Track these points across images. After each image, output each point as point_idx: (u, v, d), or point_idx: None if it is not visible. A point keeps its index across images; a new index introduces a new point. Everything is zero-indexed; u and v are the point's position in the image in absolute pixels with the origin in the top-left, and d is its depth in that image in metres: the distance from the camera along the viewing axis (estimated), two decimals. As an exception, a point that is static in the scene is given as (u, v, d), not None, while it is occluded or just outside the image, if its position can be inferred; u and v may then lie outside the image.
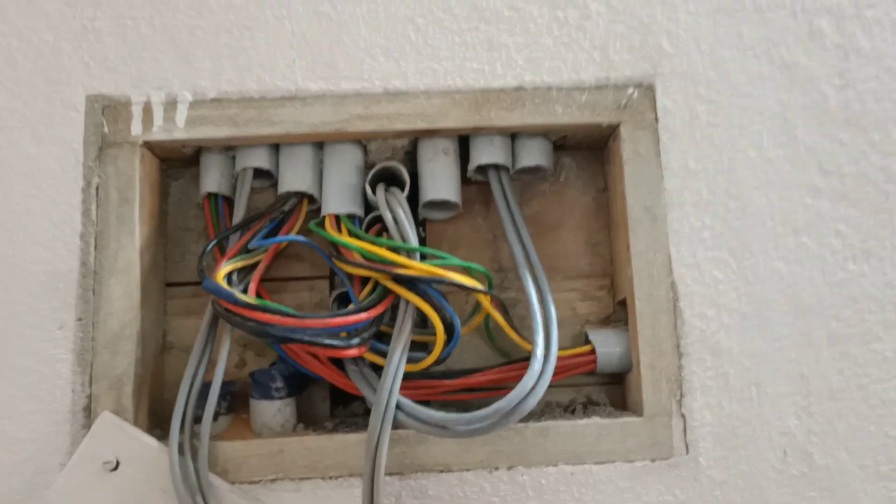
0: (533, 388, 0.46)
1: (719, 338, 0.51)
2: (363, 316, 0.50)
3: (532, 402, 0.46)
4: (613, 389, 0.57)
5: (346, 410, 0.57)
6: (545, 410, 0.55)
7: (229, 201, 0.57)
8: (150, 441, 0.49)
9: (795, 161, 0.53)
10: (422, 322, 0.55)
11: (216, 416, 0.52)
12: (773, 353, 0.51)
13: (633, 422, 0.50)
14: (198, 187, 0.57)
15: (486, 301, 0.52)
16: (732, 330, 0.51)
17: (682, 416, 0.50)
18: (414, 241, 0.52)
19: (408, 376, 0.51)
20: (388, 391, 0.48)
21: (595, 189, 0.59)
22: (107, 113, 0.53)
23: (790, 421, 0.51)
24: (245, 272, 0.53)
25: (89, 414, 0.50)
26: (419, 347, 0.55)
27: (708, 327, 0.51)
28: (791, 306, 0.52)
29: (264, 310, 0.47)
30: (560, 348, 0.54)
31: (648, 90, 0.54)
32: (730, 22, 0.54)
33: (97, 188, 0.52)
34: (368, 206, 0.57)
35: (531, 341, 0.54)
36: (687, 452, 0.50)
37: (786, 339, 0.51)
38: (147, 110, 0.53)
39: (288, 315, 0.47)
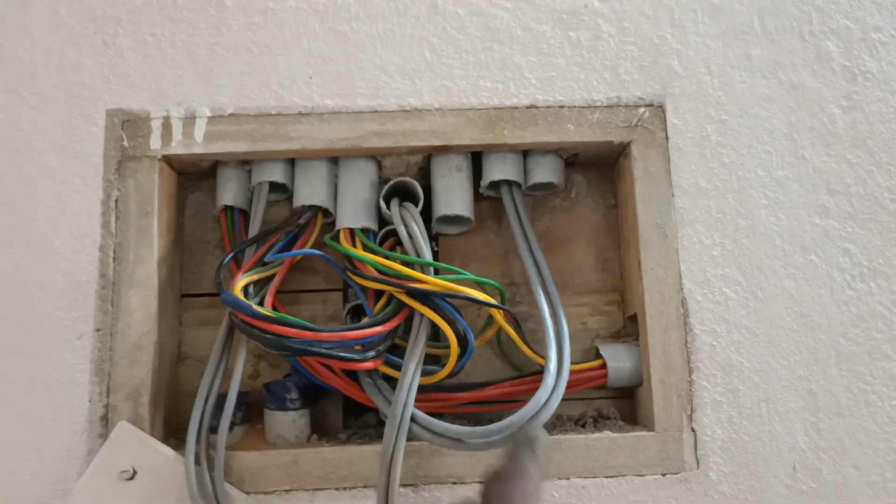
0: (546, 402, 0.47)
1: (729, 354, 0.52)
2: (378, 329, 0.51)
3: (545, 416, 0.46)
4: (623, 403, 0.57)
5: (360, 422, 0.57)
6: (556, 423, 0.55)
7: (245, 214, 0.58)
8: (167, 451, 0.49)
9: (803, 181, 0.54)
10: (434, 335, 0.56)
11: (231, 427, 0.53)
12: (782, 369, 0.52)
13: (645, 436, 0.51)
14: (214, 200, 0.58)
15: (498, 315, 0.53)
16: (742, 346, 0.52)
17: (693, 430, 0.51)
18: (428, 255, 0.53)
19: (421, 389, 0.52)
20: (403, 404, 0.49)
21: (605, 206, 0.60)
22: (126, 127, 0.54)
23: (799, 437, 0.51)
24: (261, 284, 0.54)
25: (106, 423, 0.50)
26: (431, 360, 0.55)
27: (718, 343, 0.52)
28: (800, 324, 0.52)
29: (282, 323, 0.48)
30: (571, 362, 0.55)
31: (659, 110, 0.55)
32: (738, 44, 0.55)
33: (116, 201, 0.53)
34: (382, 221, 0.57)
35: (543, 355, 0.55)
36: (698, 467, 0.50)
37: (795, 356, 0.52)
38: (166, 125, 0.54)
39: (305, 328, 0.48)
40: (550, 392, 0.47)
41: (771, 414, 0.51)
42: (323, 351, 0.48)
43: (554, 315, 0.52)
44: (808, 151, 0.55)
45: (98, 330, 0.51)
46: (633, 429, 0.52)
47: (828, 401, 0.52)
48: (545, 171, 0.57)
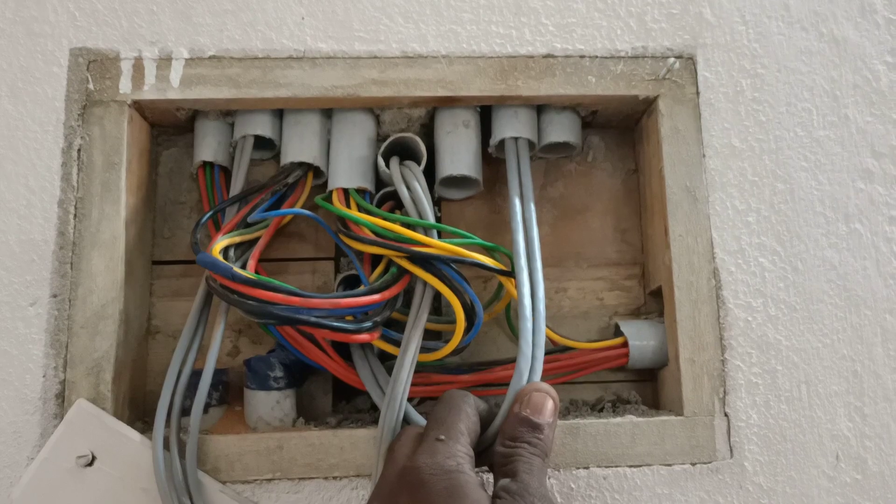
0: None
1: (766, 330, 0.47)
2: (376, 297, 0.45)
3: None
4: (643, 387, 0.52)
5: (350, 406, 0.51)
6: (570, 409, 0.50)
7: (226, 172, 0.52)
8: (132, 434, 0.43)
9: (846, 142, 0.49)
10: (434, 309, 0.50)
11: (207, 408, 0.47)
12: (824, 348, 0.47)
13: (672, 421, 0.45)
14: (191, 158, 0.52)
15: (510, 285, 0.48)
16: (780, 322, 0.47)
17: (726, 415, 0.46)
18: (432, 217, 0.48)
19: (420, 368, 0.46)
20: (404, 383, 0.43)
21: (624, 171, 0.55)
22: (93, 68, 0.48)
23: (842, 423, 0.46)
24: (243, 249, 0.48)
25: (63, 402, 0.44)
26: (431, 337, 0.50)
27: (753, 319, 0.47)
28: (842, 298, 0.48)
29: (266, 287, 0.42)
30: (587, 341, 0.50)
31: (689, 62, 0.50)
32: (776, -8, 0.51)
33: (79, 150, 0.47)
34: (380, 183, 0.52)
35: (558, 332, 0.50)
36: (731, 456, 0.45)
37: (837, 334, 0.47)
38: (138, 67, 0.48)
39: (292, 293, 0.42)
40: (525, 378, 0.42)
41: (811, 397, 0.46)
42: (313, 320, 0.42)
43: (533, 295, 0.45)
44: (852, 110, 0.50)
45: (55, 296, 0.45)
46: (659, 413, 0.47)
47: (873, 383, 0.47)
48: (561, 130, 0.51)
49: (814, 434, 0.46)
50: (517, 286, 0.45)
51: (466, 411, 0.39)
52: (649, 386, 0.52)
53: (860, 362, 0.47)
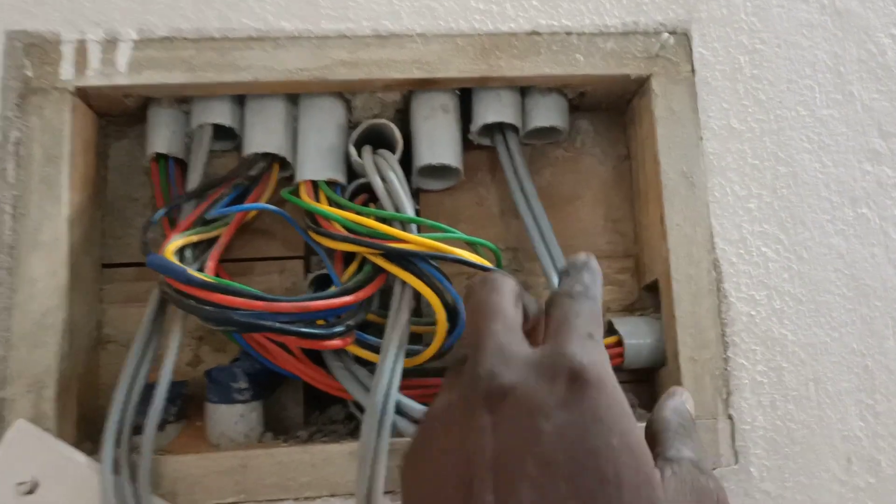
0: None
1: (770, 325, 0.44)
2: (349, 299, 0.41)
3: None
4: (640, 388, 0.48)
5: (324, 416, 0.47)
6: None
7: (183, 165, 0.47)
8: (77, 456, 0.38)
9: (851, 121, 0.46)
10: (413, 310, 0.46)
11: (163, 425, 0.43)
12: (833, 342, 0.44)
13: (673, 426, 0.42)
14: (144, 150, 0.47)
15: (495, 282, 0.44)
16: (785, 316, 0.44)
17: (730, 417, 0.42)
18: (410, 210, 0.44)
19: (407, 373, 0.42)
20: (386, 391, 0.39)
21: (615, 157, 0.51)
22: (31, 53, 0.43)
23: (854, 423, 0.43)
24: (201, 249, 0.44)
25: (1, 422, 0.39)
26: (411, 340, 0.46)
27: (757, 313, 0.44)
28: (851, 288, 0.44)
29: (225, 291, 0.38)
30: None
31: (683, 37, 0.46)
32: (773, -38, 0.47)
33: (17, 143, 0.42)
34: (352, 174, 0.48)
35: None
36: (736, 462, 0.42)
37: (846, 327, 0.44)
38: (81, 50, 0.43)
39: (255, 297, 0.38)
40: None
41: (821, 396, 0.43)
42: (278, 325, 0.38)
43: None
44: (857, 87, 0.47)
45: (-9, 305, 0.41)
46: (658, 417, 0.44)
47: (886, 379, 0.44)
48: (547, 114, 0.48)
49: (824, 435, 0.43)
50: (544, 271, 0.45)
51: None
52: (646, 387, 0.48)
53: (871, 357, 0.44)
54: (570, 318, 0.28)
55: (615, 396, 0.25)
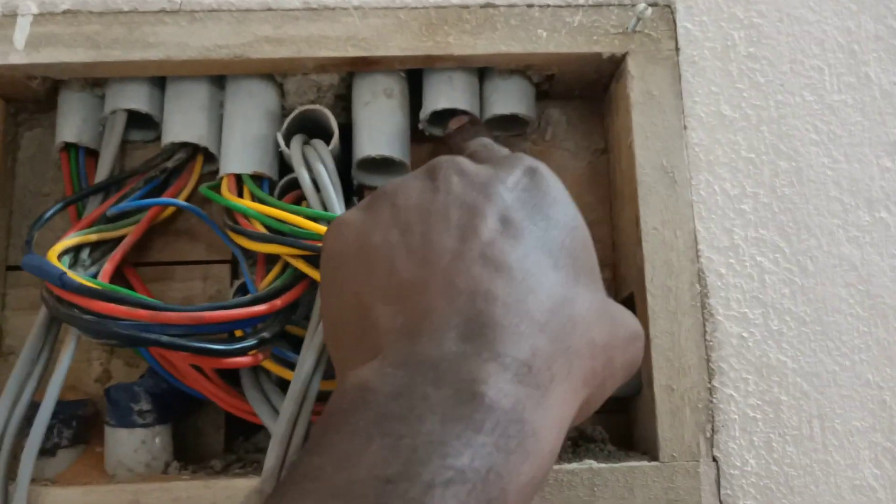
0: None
1: (766, 349, 0.37)
2: (260, 309, 0.35)
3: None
4: (613, 420, 0.41)
5: (248, 443, 0.41)
6: (520, 449, 0.39)
7: (96, 156, 0.42)
8: (-63, 489, 0.33)
9: (867, 108, 0.39)
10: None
11: (54, 450, 0.37)
12: (842, 372, 0.37)
13: (643, 468, 0.35)
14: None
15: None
16: (784, 339, 0.37)
17: (715, 460, 0.35)
18: (339, 207, 0.38)
19: (323, 396, 0.36)
20: (293, 416, 0.34)
21: (591, 151, 0.45)
22: (-79, 28, 0.39)
23: (867, 469, 0.36)
24: (103, 250, 0.39)
25: None
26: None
27: (750, 335, 0.37)
28: (865, 307, 0.37)
29: (105, 297, 0.32)
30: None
31: (666, 10, 0.40)
32: (775, -77, 0.40)
33: None
34: (285, 168, 0.42)
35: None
36: (721, 514, 0.35)
37: (859, 353, 0.37)
38: (-24, 26, 0.39)
39: (140, 305, 0.32)
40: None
41: (826, 436, 0.36)
42: (165, 339, 0.32)
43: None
44: (874, 69, 0.39)
45: None
46: (628, 456, 0.37)
47: (907, 418, 0.36)
48: (509, 100, 0.41)
49: (829, 484, 0.36)
50: None
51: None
52: (621, 418, 0.41)
53: (889, 390, 0.37)
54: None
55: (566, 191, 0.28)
